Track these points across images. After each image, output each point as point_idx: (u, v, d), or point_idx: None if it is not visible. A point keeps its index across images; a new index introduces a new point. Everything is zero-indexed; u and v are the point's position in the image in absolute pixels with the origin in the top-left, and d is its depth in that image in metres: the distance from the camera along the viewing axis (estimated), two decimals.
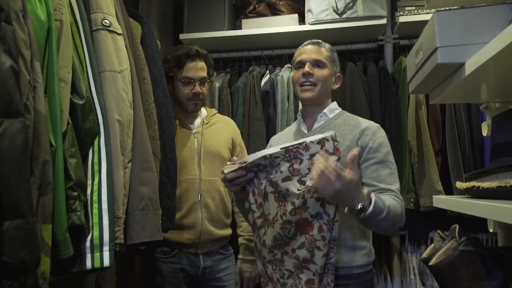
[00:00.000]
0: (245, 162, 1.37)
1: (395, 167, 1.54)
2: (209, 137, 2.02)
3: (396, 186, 1.49)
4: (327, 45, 1.69)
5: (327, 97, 1.68)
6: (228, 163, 1.42)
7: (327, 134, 1.29)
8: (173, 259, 1.93)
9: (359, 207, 1.26)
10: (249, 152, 2.40)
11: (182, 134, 1.95)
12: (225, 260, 2.01)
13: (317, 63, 1.63)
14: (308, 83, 1.61)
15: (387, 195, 1.42)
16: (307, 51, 1.65)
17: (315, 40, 1.69)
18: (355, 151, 1.27)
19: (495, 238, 2.13)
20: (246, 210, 1.47)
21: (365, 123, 1.61)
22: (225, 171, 1.38)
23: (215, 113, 2.16)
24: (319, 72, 1.62)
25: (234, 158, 1.46)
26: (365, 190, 1.30)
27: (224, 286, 1.99)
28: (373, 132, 1.56)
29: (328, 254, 1.32)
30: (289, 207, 1.32)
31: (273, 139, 1.83)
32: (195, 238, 1.92)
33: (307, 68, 1.61)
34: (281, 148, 1.31)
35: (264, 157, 1.33)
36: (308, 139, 1.30)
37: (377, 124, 1.62)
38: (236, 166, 1.37)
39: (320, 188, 1.23)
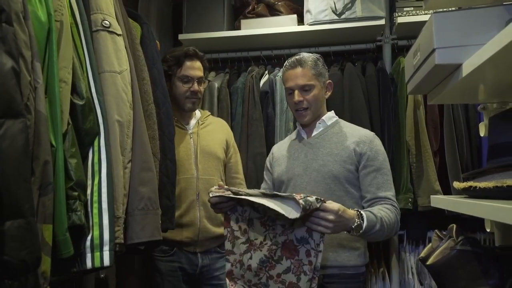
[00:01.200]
0: (229, 191, 1.40)
1: (390, 173, 1.65)
2: (204, 137, 2.06)
3: (392, 192, 1.61)
4: (309, 61, 1.71)
5: (322, 107, 1.77)
6: (214, 187, 1.46)
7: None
8: (172, 257, 1.95)
9: (354, 226, 1.37)
10: (246, 153, 2.43)
11: (179, 134, 1.97)
12: (222, 259, 2.03)
13: (304, 88, 1.70)
14: (301, 109, 1.71)
15: (382, 205, 1.54)
16: (292, 77, 1.71)
17: (297, 59, 1.72)
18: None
19: (492, 237, 2.13)
20: (225, 237, 1.48)
21: (362, 131, 1.72)
22: (210, 195, 1.43)
23: (209, 115, 2.20)
24: (309, 96, 1.70)
25: (221, 183, 1.50)
26: (353, 210, 1.40)
27: (221, 284, 2.01)
28: (370, 140, 1.67)
29: (312, 281, 1.33)
30: (279, 229, 1.35)
31: (275, 149, 1.89)
32: (193, 236, 1.94)
33: (297, 97, 1.69)
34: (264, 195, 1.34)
35: (249, 200, 1.35)
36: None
37: (373, 133, 1.72)
38: (219, 193, 1.41)
39: (332, 227, 1.32)
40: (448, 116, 2.31)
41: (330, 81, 1.78)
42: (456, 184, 1.13)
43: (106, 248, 1.22)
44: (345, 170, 1.62)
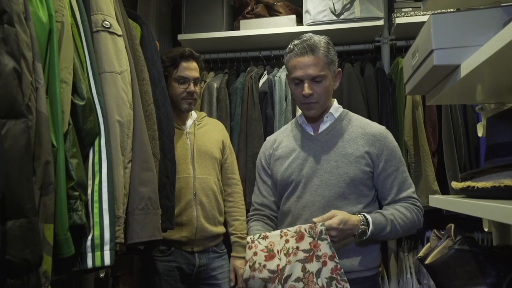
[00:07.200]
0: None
1: (406, 167, 1.60)
2: (201, 137, 2.07)
3: (412, 189, 1.57)
4: (321, 46, 1.52)
5: (331, 99, 1.62)
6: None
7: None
8: (169, 257, 1.96)
9: (357, 233, 1.40)
10: (245, 153, 2.43)
11: (175, 134, 1.97)
12: (219, 258, 2.05)
13: (315, 79, 1.50)
14: (310, 103, 1.53)
15: (399, 205, 1.51)
16: (303, 66, 1.50)
17: (308, 44, 1.51)
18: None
19: (490, 237, 2.15)
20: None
21: (373, 126, 1.60)
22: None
23: (205, 116, 2.21)
24: (319, 88, 1.51)
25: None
26: (358, 216, 1.41)
27: (218, 284, 2.02)
28: (384, 137, 1.56)
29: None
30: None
31: (272, 144, 1.70)
32: (191, 235, 1.95)
33: (306, 90, 1.49)
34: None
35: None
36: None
37: (384, 127, 1.61)
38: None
39: (336, 240, 1.38)
40: (446, 117, 2.32)
41: (339, 69, 1.60)
42: (454, 184, 1.14)
43: (106, 248, 1.22)
44: (360, 171, 1.51)
